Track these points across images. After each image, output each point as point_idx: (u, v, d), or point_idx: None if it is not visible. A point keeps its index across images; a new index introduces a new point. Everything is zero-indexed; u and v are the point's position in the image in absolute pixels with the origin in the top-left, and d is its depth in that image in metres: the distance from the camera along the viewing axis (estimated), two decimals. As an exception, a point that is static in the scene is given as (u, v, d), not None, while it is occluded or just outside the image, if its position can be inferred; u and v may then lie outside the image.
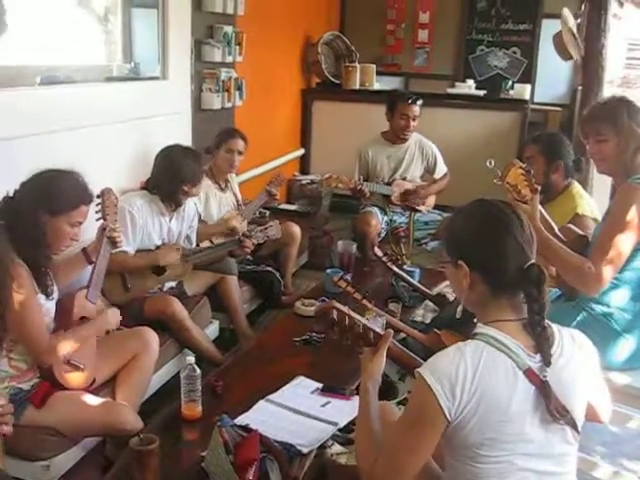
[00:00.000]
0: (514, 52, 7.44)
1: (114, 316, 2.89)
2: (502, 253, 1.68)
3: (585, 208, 3.36)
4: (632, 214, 2.52)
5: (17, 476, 2.41)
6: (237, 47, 5.20)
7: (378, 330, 1.99)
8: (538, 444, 1.63)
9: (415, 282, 3.62)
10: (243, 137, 4.37)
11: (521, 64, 7.44)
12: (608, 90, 7.30)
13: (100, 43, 4.53)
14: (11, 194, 2.59)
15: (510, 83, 6.91)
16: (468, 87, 6.97)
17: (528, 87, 6.82)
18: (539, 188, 2.62)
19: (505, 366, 1.60)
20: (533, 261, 1.69)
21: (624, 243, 2.53)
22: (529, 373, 1.60)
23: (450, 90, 7.02)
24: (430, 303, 3.54)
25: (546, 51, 6.87)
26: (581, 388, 1.69)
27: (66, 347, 2.58)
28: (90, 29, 4.44)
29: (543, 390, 1.60)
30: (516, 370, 1.60)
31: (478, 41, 7.55)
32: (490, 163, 2.73)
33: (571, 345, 1.70)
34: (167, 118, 4.49)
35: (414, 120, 4.83)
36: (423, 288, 3.56)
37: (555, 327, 1.72)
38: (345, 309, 1.99)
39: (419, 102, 4.85)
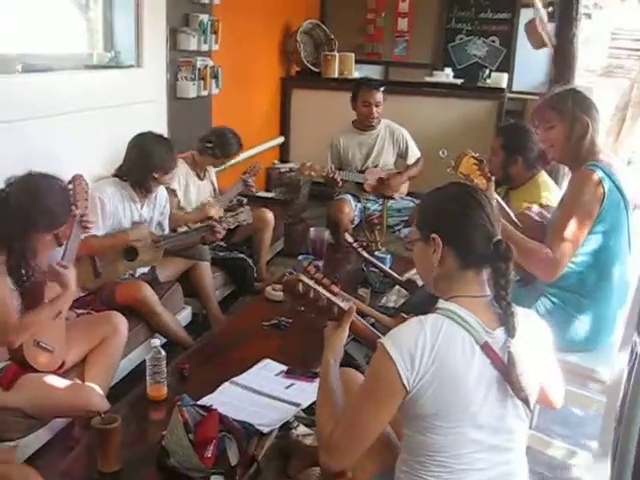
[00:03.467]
0: (493, 41, 7.47)
1: (72, 278, 2.83)
2: (474, 227, 1.77)
3: (549, 198, 3.41)
4: (585, 199, 2.59)
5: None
6: (213, 35, 5.22)
7: (342, 305, 2.04)
8: (491, 418, 1.69)
9: (385, 268, 3.67)
10: (241, 144, 4.52)
11: (500, 53, 7.47)
12: (589, 79, 7.40)
13: (81, 31, 4.54)
14: None
15: (487, 72, 6.95)
16: (446, 75, 7.01)
17: (505, 76, 6.87)
18: (493, 177, 2.69)
19: (463, 340, 1.66)
20: (500, 237, 1.77)
21: (579, 228, 2.61)
22: (486, 347, 1.67)
23: (428, 78, 7.05)
24: (402, 289, 3.60)
25: (524, 40, 6.88)
26: (534, 366, 1.75)
27: (33, 326, 2.62)
28: (71, 17, 4.45)
29: (500, 364, 1.67)
30: (473, 344, 1.66)
31: (457, 30, 7.57)
32: (443, 153, 2.80)
33: (525, 325, 1.76)
34: (142, 106, 4.52)
35: (377, 106, 4.86)
36: (393, 274, 3.61)
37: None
38: (311, 282, 2.03)
39: (381, 88, 4.88)
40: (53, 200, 2.68)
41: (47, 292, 2.76)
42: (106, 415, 2.19)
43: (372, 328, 2.17)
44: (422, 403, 1.65)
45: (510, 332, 1.69)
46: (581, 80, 6.81)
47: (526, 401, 1.71)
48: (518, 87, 7.35)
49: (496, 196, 2.76)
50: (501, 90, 6.73)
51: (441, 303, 1.75)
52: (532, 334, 1.78)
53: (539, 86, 7.33)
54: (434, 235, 1.79)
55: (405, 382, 1.63)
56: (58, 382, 2.65)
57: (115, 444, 2.12)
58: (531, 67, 7.31)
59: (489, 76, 6.92)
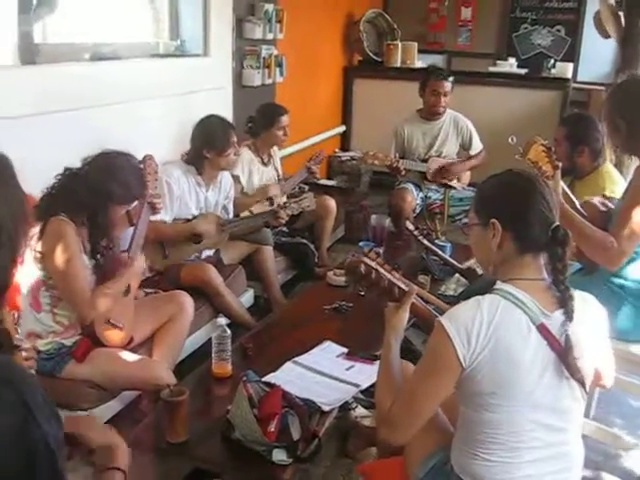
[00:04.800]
0: (558, 30, 7.38)
1: (140, 261, 2.98)
2: (532, 212, 1.79)
3: (613, 190, 3.38)
4: (651, 189, 2.57)
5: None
6: (278, 24, 5.31)
7: (403, 286, 2.08)
8: (546, 398, 1.72)
9: (446, 256, 3.69)
10: (287, 111, 4.53)
11: (565, 42, 7.38)
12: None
13: (148, 21, 4.67)
14: (74, 168, 2.76)
15: (552, 62, 6.86)
16: (510, 65, 6.94)
17: (570, 66, 6.77)
18: (560, 164, 2.68)
19: (519, 320, 1.69)
20: (558, 223, 1.79)
21: (643, 217, 2.59)
22: (542, 329, 1.69)
23: (491, 68, 7.00)
24: (462, 278, 3.61)
25: (591, 29, 6.76)
26: (590, 349, 1.77)
27: (104, 300, 2.72)
28: (138, 7, 4.58)
29: (557, 346, 1.69)
30: (530, 325, 1.69)
31: (522, 19, 7.50)
32: (512, 139, 2.80)
33: (583, 308, 1.78)
34: (209, 94, 4.63)
35: (445, 96, 4.87)
36: (453, 262, 3.63)
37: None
38: (373, 264, 2.07)
39: (450, 78, 4.89)
40: (127, 174, 2.80)
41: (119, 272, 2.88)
42: (174, 388, 2.28)
43: (432, 310, 2.21)
44: (478, 380, 1.69)
45: (568, 315, 1.72)
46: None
47: (582, 383, 1.73)
48: (584, 77, 7.24)
49: (562, 184, 2.76)
50: (566, 80, 6.65)
51: (498, 284, 1.78)
52: (590, 318, 1.80)
53: (605, 76, 7.21)
54: (493, 220, 1.82)
55: (461, 359, 1.67)
56: (128, 356, 2.77)
57: (182, 416, 2.21)
58: (597, 57, 7.18)
59: (554, 66, 6.83)
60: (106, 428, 1.52)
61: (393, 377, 1.93)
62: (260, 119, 4.49)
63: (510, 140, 2.84)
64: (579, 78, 7.18)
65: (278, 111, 4.51)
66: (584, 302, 1.81)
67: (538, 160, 2.67)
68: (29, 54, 3.47)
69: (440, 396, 1.77)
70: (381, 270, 2.08)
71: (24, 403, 1.10)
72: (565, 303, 1.73)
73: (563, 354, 1.69)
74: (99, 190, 2.69)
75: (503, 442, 1.72)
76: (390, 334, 2.03)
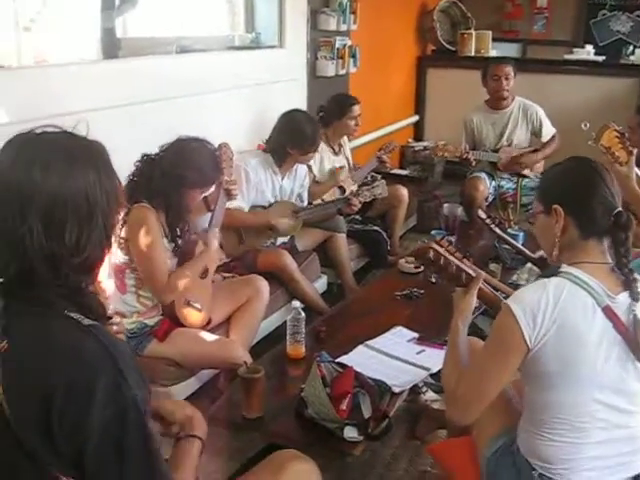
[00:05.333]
0: (638, 16, 7.17)
1: (215, 243, 3.08)
2: (595, 198, 1.81)
3: None
4: None
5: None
6: (352, 16, 5.36)
7: (470, 272, 2.13)
8: (612, 379, 1.74)
9: (518, 245, 3.69)
10: (359, 102, 4.57)
11: (646, 28, 7.18)
12: None
13: (224, 14, 4.79)
14: (152, 154, 2.89)
15: (631, 48, 6.71)
16: (587, 53, 6.81)
17: (650, 52, 6.62)
18: (635, 150, 2.67)
19: (585, 302, 1.72)
20: (620, 209, 1.82)
21: None
22: (607, 310, 1.72)
23: (567, 56, 6.88)
24: (534, 267, 3.61)
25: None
26: None
27: (182, 282, 2.85)
28: (215, 0, 4.71)
29: (622, 328, 1.72)
30: (595, 306, 1.72)
31: (600, 5, 7.31)
32: (585, 125, 2.80)
33: None
34: (284, 84, 4.73)
35: (507, 79, 4.83)
36: (525, 251, 3.62)
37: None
38: (441, 250, 2.13)
39: (509, 62, 4.87)
40: (202, 158, 2.91)
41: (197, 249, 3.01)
42: (251, 366, 2.38)
43: (498, 295, 2.25)
44: (544, 361, 1.73)
45: (634, 296, 1.74)
46: None
47: None
48: (665, 64, 7.04)
49: (637, 169, 2.74)
50: (644, 67, 6.49)
51: (564, 268, 1.81)
52: None
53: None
54: (556, 206, 1.84)
55: (527, 339, 1.71)
56: (206, 336, 2.90)
57: (259, 392, 2.31)
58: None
59: (632, 53, 6.67)
60: (182, 402, 1.63)
61: (460, 359, 1.97)
62: (332, 109, 4.54)
63: (583, 126, 2.84)
64: (660, 65, 6.98)
65: (350, 101, 4.56)
66: None
67: (611, 146, 2.66)
68: (112, 48, 3.62)
69: (506, 376, 1.80)
70: (449, 256, 2.13)
71: (116, 366, 1.21)
72: (630, 285, 1.75)
73: (629, 336, 1.72)
74: (172, 175, 2.80)
75: (568, 422, 1.75)
76: (458, 318, 2.07)
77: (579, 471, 1.77)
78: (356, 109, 4.51)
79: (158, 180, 2.79)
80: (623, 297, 1.75)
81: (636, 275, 1.78)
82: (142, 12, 3.94)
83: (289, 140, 3.81)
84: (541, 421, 1.80)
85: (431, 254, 2.11)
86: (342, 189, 4.36)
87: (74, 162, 1.27)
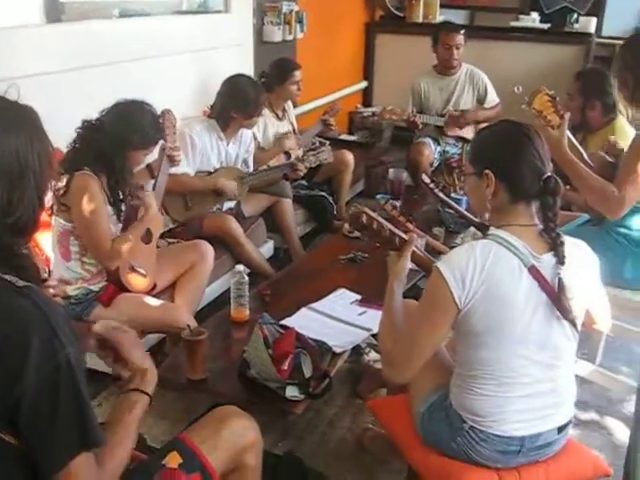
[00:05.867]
0: (584, -17, 7.26)
1: (154, 205, 3.04)
2: (525, 163, 1.87)
3: (626, 144, 3.43)
4: (655, 141, 2.64)
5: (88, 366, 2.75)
6: (299, -20, 5.34)
7: (403, 236, 2.19)
8: (537, 336, 1.82)
9: (461, 209, 3.76)
10: (300, 66, 4.59)
11: (591, -4, 7.26)
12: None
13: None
14: (92, 120, 2.86)
15: (575, 16, 6.80)
16: (532, 20, 6.86)
17: (594, 20, 6.69)
18: (567, 114, 2.75)
19: (511, 262, 1.79)
20: (549, 173, 1.88)
21: (646, 168, 2.66)
22: (532, 270, 1.79)
23: (514, 23, 6.94)
24: (477, 231, 3.69)
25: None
26: (581, 291, 1.87)
27: (126, 245, 2.84)
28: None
29: (548, 288, 1.79)
30: (521, 267, 1.79)
31: (547, -27, 7.38)
32: (518, 89, 2.86)
33: (574, 253, 1.87)
34: (230, 50, 4.70)
35: (457, 49, 4.89)
36: (468, 215, 3.67)
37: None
38: (374, 215, 2.18)
39: (461, 31, 4.92)
40: (142, 119, 2.90)
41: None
42: (194, 329, 2.42)
43: (432, 258, 2.32)
44: (474, 321, 1.80)
45: (560, 259, 1.81)
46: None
47: (573, 322, 1.84)
48: (609, 32, 7.13)
49: (569, 134, 2.82)
50: (588, 35, 6.58)
51: (492, 230, 1.88)
52: (580, 261, 1.90)
53: (631, 31, 7.12)
54: (487, 171, 1.90)
55: (457, 300, 1.78)
56: (151, 301, 2.91)
57: (202, 355, 2.35)
58: (624, 11, 7.07)
59: (577, 21, 6.75)
60: (144, 352, 1.65)
61: (395, 321, 2.04)
62: (273, 74, 4.54)
63: (516, 89, 2.89)
64: (604, 33, 7.08)
65: (291, 66, 4.56)
66: (575, 248, 1.90)
67: (543, 109, 2.72)
68: (54, 12, 3.56)
69: (437, 336, 1.87)
70: (381, 220, 2.18)
71: (49, 325, 1.24)
72: (556, 247, 1.82)
73: (555, 296, 1.79)
74: (114, 137, 2.79)
75: (496, 377, 1.83)
76: (392, 280, 2.14)
77: (507, 423, 1.86)
78: (297, 74, 4.51)
79: (99, 144, 2.77)
80: (548, 257, 1.82)
81: (562, 238, 1.85)
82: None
83: (233, 105, 3.81)
84: (471, 377, 1.87)
85: (364, 219, 2.15)
86: (288, 155, 4.37)
87: (5, 125, 1.29)
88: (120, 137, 2.81)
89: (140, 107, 2.93)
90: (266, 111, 4.42)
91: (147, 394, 1.55)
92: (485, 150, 1.98)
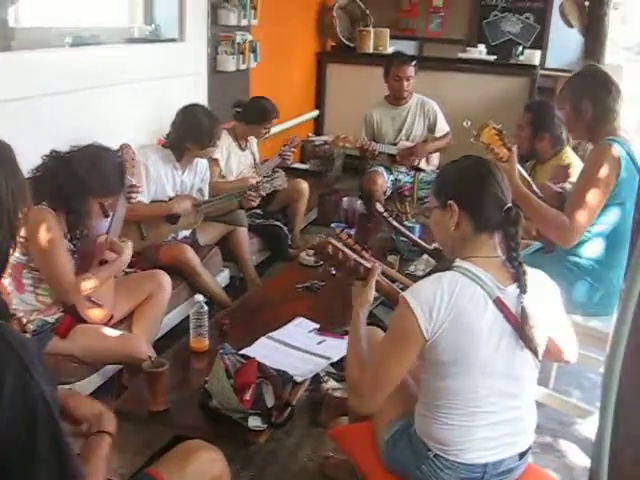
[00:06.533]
0: (527, 18, 7.49)
1: (128, 252, 3.05)
2: (487, 195, 1.93)
3: (573, 174, 3.54)
4: (602, 172, 2.73)
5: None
6: (252, 11, 5.39)
7: (367, 265, 2.23)
8: (502, 366, 1.87)
9: (414, 237, 3.82)
10: (278, 116, 4.70)
11: (534, 30, 7.49)
12: (625, 56, 7.42)
13: (123, 5, 4.72)
14: (62, 152, 2.83)
15: (520, 49, 7.01)
16: (479, 52, 7.07)
17: (538, 53, 6.92)
18: (515, 148, 2.83)
19: (477, 294, 1.84)
20: (510, 204, 1.94)
21: (595, 198, 2.75)
22: (498, 302, 1.84)
23: (461, 55, 7.12)
24: (430, 258, 3.75)
25: (559, 17, 6.93)
26: (543, 320, 1.92)
27: (89, 286, 2.83)
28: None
29: (512, 318, 1.84)
30: (487, 299, 1.84)
31: (492, 6, 7.59)
32: (467, 123, 2.94)
33: (535, 283, 1.92)
34: (184, 79, 4.73)
35: (408, 80, 4.99)
36: (422, 242, 3.75)
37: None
38: (339, 245, 2.23)
39: (412, 63, 5.02)
40: (110, 170, 2.88)
41: (97, 253, 2.99)
42: (155, 360, 2.41)
43: (395, 287, 2.36)
44: (440, 351, 1.83)
45: (522, 288, 1.87)
46: (616, 58, 6.87)
47: (535, 351, 1.89)
48: (552, 64, 7.37)
49: (518, 166, 2.90)
50: (533, 67, 6.79)
51: (457, 262, 1.93)
52: (541, 291, 1.95)
53: (573, 64, 7.35)
54: (451, 202, 1.96)
55: (424, 331, 1.81)
56: (108, 332, 2.88)
57: (163, 386, 2.34)
58: (565, 44, 7.31)
59: (522, 53, 6.98)
60: (90, 399, 1.65)
61: (361, 350, 2.06)
62: (252, 112, 4.59)
63: (465, 124, 2.97)
64: (547, 65, 7.31)
65: (272, 115, 4.64)
66: (536, 277, 1.96)
67: (491, 143, 2.81)
68: (4, 39, 3.53)
69: (404, 366, 1.90)
70: (347, 250, 2.22)
71: (23, 363, 1.23)
72: (519, 277, 1.88)
73: (518, 325, 1.84)
74: (78, 179, 2.75)
75: (462, 407, 1.87)
76: (358, 309, 2.17)
77: (471, 451, 1.89)
78: (273, 122, 4.61)
79: (63, 180, 2.75)
80: (512, 288, 1.88)
81: (525, 268, 1.90)
82: (37, 1, 3.85)
83: (187, 135, 3.81)
84: (437, 406, 1.90)
85: (330, 249, 2.20)
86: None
87: None
88: (83, 179, 2.77)
89: (111, 156, 2.93)
90: (230, 140, 4.45)
91: (109, 433, 1.56)
92: (449, 183, 2.03)
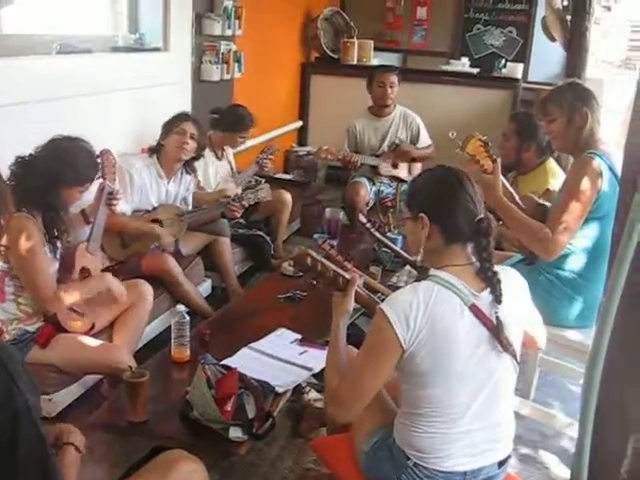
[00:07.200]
0: (510, 31, 7.55)
1: (117, 284, 3.08)
2: (457, 208, 1.93)
3: (555, 185, 3.57)
4: (584, 185, 2.75)
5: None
6: (237, 21, 5.39)
7: (347, 276, 2.23)
8: (480, 372, 1.87)
9: (397, 248, 3.83)
10: (255, 124, 4.69)
11: (517, 43, 7.55)
12: (609, 71, 7.50)
13: (107, 13, 4.73)
14: (26, 156, 2.82)
15: (503, 62, 7.06)
16: (462, 65, 7.10)
17: (520, 66, 6.97)
18: (499, 159, 2.85)
19: (453, 302, 1.85)
20: (482, 215, 1.95)
21: (577, 211, 2.77)
22: (473, 308, 1.85)
23: (445, 67, 7.16)
24: (412, 270, 3.76)
25: (541, 31, 7.00)
26: (517, 321, 1.95)
27: (70, 298, 2.83)
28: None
29: (489, 323, 1.85)
30: (462, 305, 1.85)
31: (475, 20, 7.65)
32: (452, 134, 2.96)
33: (505, 282, 1.93)
34: (168, 88, 4.71)
35: (391, 87, 5.03)
36: (403, 253, 3.76)
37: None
38: (318, 257, 2.23)
39: (395, 71, 5.07)
40: (77, 156, 2.89)
41: (78, 260, 2.98)
42: (135, 370, 2.40)
43: (374, 297, 2.37)
44: (418, 360, 1.84)
45: (497, 298, 1.88)
46: (597, 72, 6.93)
47: (513, 354, 1.90)
48: (534, 77, 7.42)
49: (502, 178, 2.92)
50: (516, 80, 6.83)
51: (432, 271, 1.94)
52: (511, 288, 1.96)
53: (554, 77, 7.41)
54: (422, 214, 1.96)
55: (402, 341, 1.82)
56: (89, 341, 2.87)
57: (144, 396, 2.33)
58: (547, 58, 7.38)
59: (504, 66, 7.02)
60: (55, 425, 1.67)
61: (340, 360, 2.07)
62: (228, 120, 4.59)
63: (450, 135, 2.99)
64: (529, 78, 7.37)
65: (248, 122, 4.62)
66: (504, 275, 1.96)
67: (476, 154, 2.82)
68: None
69: (382, 377, 1.91)
70: (326, 262, 2.23)
71: (7, 372, 1.22)
72: (493, 287, 1.89)
73: (495, 330, 1.86)
74: (48, 174, 2.76)
75: (442, 414, 1.87)
76: (338, 320, 2.17)
77: (451, 459, 1.89)
78: (250, 131, 4.61)
79: (33, 181, 2.73)
80: (485, 294, 1.89)
81: (499, 276, 1.91)
82: (21, 8, 3.84)
83: (162, 134, 3.84)
84: (417, 415, 1.91)
85: (308, 261, 2.20)
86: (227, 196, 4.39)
87: None
88: (53, 174, 2.77)
89: (75, 143, 2.92)
90: (206, 150, 4.43)
91: (73, 444, 1.59)
92: (420, 195, 2.04)
